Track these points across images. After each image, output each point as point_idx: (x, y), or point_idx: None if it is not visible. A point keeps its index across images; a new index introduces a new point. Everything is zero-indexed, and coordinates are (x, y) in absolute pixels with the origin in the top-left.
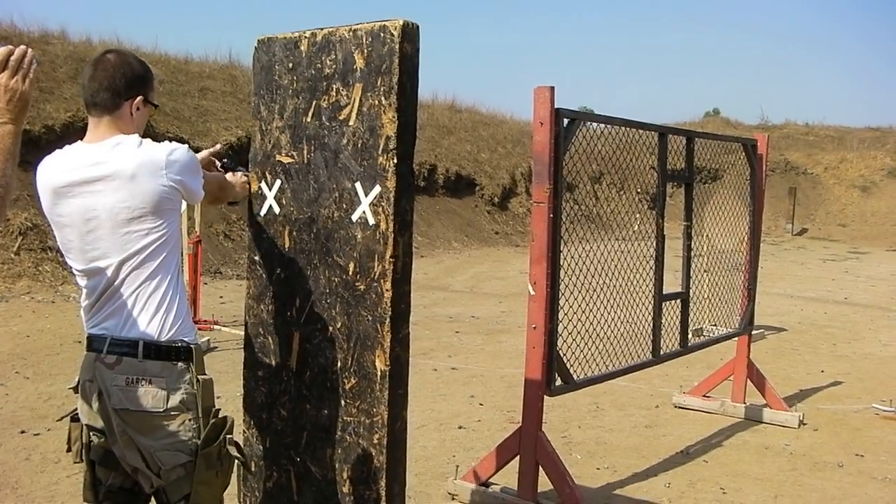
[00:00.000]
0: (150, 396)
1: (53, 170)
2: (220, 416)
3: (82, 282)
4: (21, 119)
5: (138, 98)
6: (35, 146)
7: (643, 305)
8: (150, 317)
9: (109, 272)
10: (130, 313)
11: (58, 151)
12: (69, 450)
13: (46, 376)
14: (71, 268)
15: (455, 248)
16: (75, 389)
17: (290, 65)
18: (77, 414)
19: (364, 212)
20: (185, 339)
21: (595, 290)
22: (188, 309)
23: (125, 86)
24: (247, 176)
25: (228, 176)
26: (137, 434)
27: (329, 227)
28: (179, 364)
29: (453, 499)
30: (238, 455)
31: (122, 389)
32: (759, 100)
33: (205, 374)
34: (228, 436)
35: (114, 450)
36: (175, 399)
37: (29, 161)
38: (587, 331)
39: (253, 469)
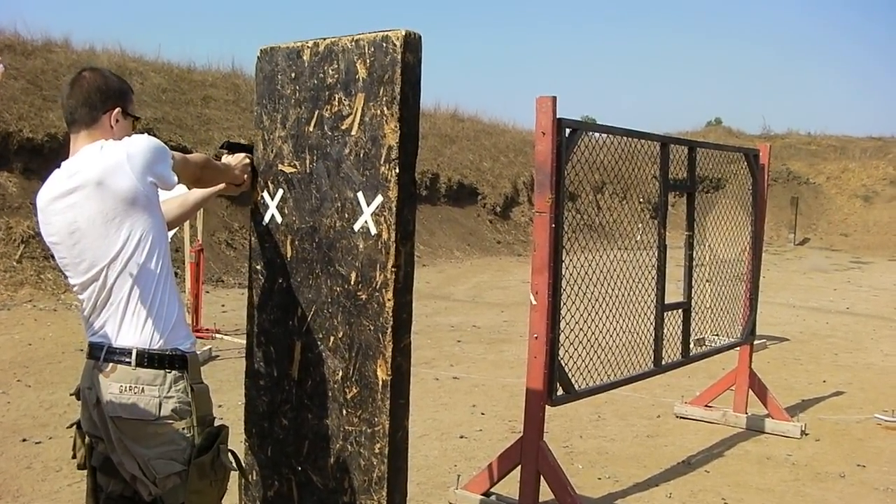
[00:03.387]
0: (142, 404)
1: (42, 193)
2: (215, 424)
3: (80, 295)
4: None
5: (116, 110)
6: (38, 154)
7: (645, 315)
8: (143, 323)
9: (99, 280)
10: (123, 320)
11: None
12: (74, 456)
13: (48, 384)
14: (72, 286)
15: (457, 257)
16: (77, 396)
17: (293, 74)
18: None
19: (366, 221)
20: (180, 348)
21: (597, 300)
22: (182, 314)
23: (101, 99)
24: (249, 158)
25: (226, 157)
26: (132, 442)
27: (331, 237)
28: (173, 372)
29: None
30: (233, 465)
31: (116, 397)
32: (761, 109)
33: (200, 383)
34: (222, 445)
35: (112, 457)
36: (168, 407)
37: (31, 169)
38: (589, 340)
39: (254, 478)
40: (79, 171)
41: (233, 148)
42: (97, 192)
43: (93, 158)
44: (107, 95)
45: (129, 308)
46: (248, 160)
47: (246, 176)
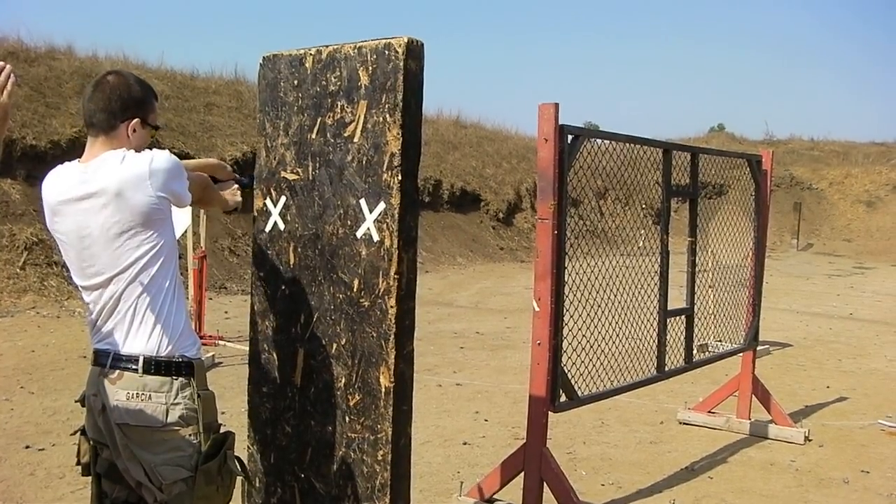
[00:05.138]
0: (149, 411)
1: (51, 187)
2: (221, 431)
3: (86, 297)
4: (2, 130)
5: (135, 120)
6: (41, 161)
7: (648, 321)
8: (150, 331)
9: (107, 287)
10: (130, 328)
11: (58, 168)
12: (78, 463)
13: (51, 391)
14: (76, 285)
15: (460, 263)
16: (82, 403)
17: (296, 82)
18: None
19: (368, 228)
20: (186, 355)
21: (600, 306)
22: (188, 321)
23: (121, 108)
24: (238, 185)
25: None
26: (139, 448)
27: (334, 244)
28: (180, 379)
29: None
30: (239, 470)
31: (123, 404)
32: (764, 115)
33: (206, 389)
34: (229, 451)
35: (117, 464)
36: (175, 414)
37: (35, 176)
38: (592, 347)
39: (257, 485)
40: (97, 178)
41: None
42: (114, 202)
43: (113, 168)
44: (127, 105)
45: (137, 316)
46: (237, 187)
47: (239, 198)
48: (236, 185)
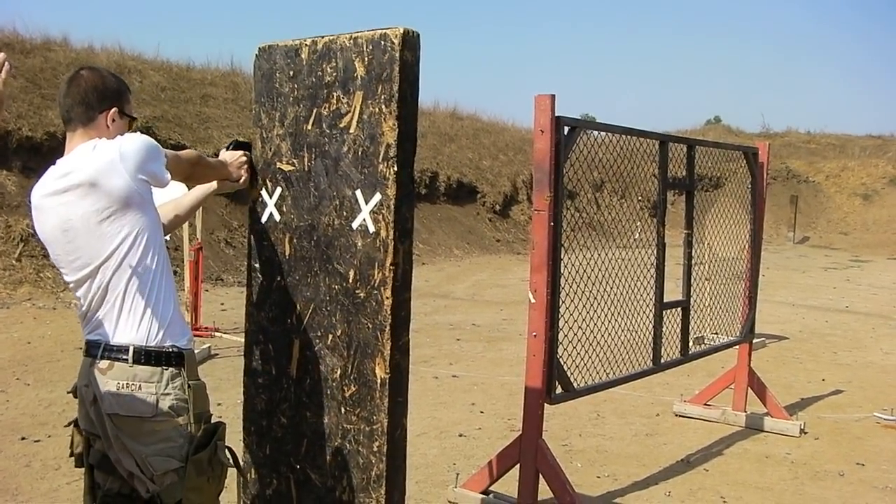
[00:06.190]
0: (139, 401)
1: (36, 190)
2: (212, 421)
3: (76, 292)
4: None
5: (112, 110)
6: (37, 153)
7: (644, 313)
8: (139, 320)
9: (95, 278)
10: (119, 317)
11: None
12: (72, 454)
13: (47, 383)
14: (67, 282)
15: (456, 255)
16: (74, 394)
17: (291, 72)
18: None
19: (364, 219)
20: (177, 345)
21: (596, 298)
22: (179, 311)
23: (98, 99)
24: (247, 156)
25: (222, 153)
26: (130, 439)
27: (329, 235)
28: (170, 369)
29: None
30: (230, 461)
31: (113, 394)
32: (761, 107)
33: (197, 380)
34: (220, 442)
35: (109, 455)
36: (165, 404)
37: (31, 167)
38: (588, 339)
39: (253, 476)
40: (73, 171)
41: (239, 147)
42: (91, 191)
43: (86, 158)
44: (104, 95)
45: (126, 305)
46: (245, 157)
47: (244, 172)
48: (242, 153)
